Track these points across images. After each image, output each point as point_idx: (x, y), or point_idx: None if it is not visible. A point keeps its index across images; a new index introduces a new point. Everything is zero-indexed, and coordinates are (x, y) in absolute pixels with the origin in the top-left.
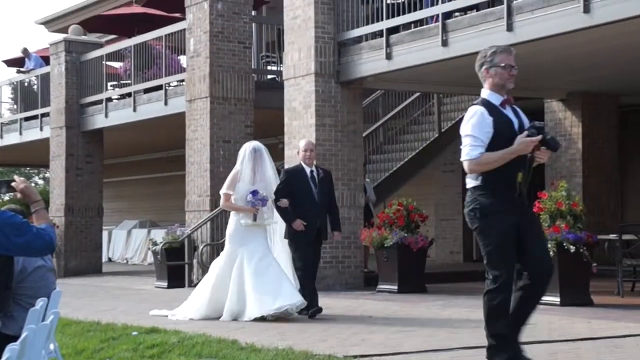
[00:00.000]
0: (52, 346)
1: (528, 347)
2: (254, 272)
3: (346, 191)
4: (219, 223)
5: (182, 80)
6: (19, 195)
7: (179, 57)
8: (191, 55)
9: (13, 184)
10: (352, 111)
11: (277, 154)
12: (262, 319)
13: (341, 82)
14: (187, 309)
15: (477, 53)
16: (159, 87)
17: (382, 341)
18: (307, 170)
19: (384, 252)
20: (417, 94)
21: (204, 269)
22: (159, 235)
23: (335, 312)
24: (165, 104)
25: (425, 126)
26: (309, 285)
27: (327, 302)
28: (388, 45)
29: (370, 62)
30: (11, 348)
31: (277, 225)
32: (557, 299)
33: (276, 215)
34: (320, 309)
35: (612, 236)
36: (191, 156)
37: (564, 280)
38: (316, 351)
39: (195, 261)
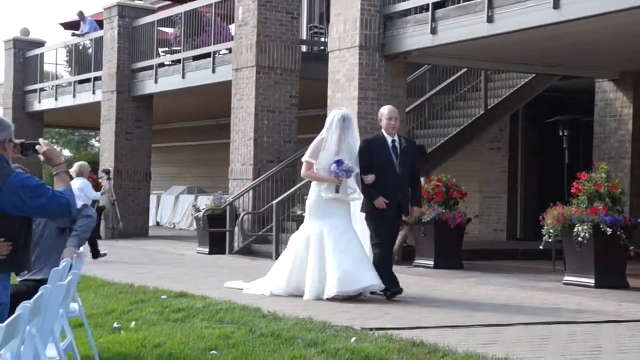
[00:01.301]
0: (75, 305)
1: (550, 327)
2: (334, 248)
3: None
4: (261, 192)
5: (230, 49)
6: (42, 157)
7: (229, 26)
8: (239, 23)
9: (37, 147)
10: (395, 85)
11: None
12: (332, 298)
13: (385, 55)
14: (266, 284)
15: (523, 30)
16: (207, 55)
17: (404, 315)
18: (389, 139)
19: (422, 227)
20: (464, 69)
21: (245, 236)
22: (205, 201)
23: None
24: (213, 71)
25: (472, 102)
26: (387, 263)
27: None
28: (433, 19)
29: (415, 36)
30: (23, 306)
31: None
32: (591, 281)
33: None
34: (401, 290)
35: None
36: (236, 124)
37: (599, 262)
38: (335, 322)
39: (236, 229)
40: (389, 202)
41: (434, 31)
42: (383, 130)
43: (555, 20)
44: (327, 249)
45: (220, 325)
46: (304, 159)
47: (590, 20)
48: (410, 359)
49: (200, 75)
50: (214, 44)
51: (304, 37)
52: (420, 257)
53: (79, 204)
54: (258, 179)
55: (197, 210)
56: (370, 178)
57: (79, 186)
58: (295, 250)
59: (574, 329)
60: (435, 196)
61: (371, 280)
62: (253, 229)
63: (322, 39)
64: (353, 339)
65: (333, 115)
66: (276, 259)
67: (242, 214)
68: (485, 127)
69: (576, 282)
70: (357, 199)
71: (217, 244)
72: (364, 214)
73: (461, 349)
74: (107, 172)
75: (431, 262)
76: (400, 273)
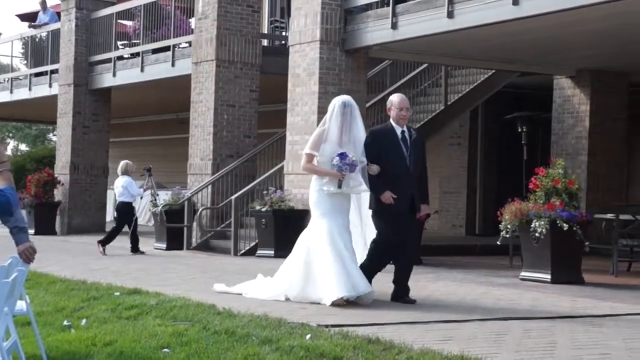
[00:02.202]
0: (23, 304)
1: (506, 323)
2: (345, 248)
3: None
4: (220, 187)
5: (190, 42)
6: None
7: (189, 19)
8: (199, 17)
9: None
10: (356, 80)
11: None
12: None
13: (346, 50)
14: (278, 288)
15: (483, 26)
16: (167, 48)
17: (361, 312)
18: (398, 130)
19: None
20: (425, 65)
21: (203, 232)
22: (164, 197)
23: None
24: (173, 65)
25: (432, 98)
26: (380, 266)
27: None
28: (394, 14)
29: (375, 31)
30: None
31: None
32: (547, 276)
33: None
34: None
35: (609, 215)
36: (195, 119)
37: (555, 257)
38: (292, 319)
39: (195, 224)
40: (399, 197)
41: (394, 26)
42: (392, 121)
43: (514, 16)
44: (335, 250)
45: (174, 322)
46: (305, 151)
47: (548, 17)
48: (365, 356)
49: (159, 69)
50: (173, 37)
51: (265, 31)
52: None
53: (123, 199)
54: (217, 174)
55: (155, 205)
56: (374, 168)
57: (123, 184)
58: (307, 249)
59: (530, 325)
60: None
61: (368, 285)
62: (212, 224)
63: (283, 33)
64: (308, 336)
65: (333, 104)
66: (235, 254)
67: (200, 210)
68: (445, 122)
69: (532, 277)
70: (363, 191)
71: (175, 240)
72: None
73: (417, 346)
74: (148, 169)
75: None
76: None
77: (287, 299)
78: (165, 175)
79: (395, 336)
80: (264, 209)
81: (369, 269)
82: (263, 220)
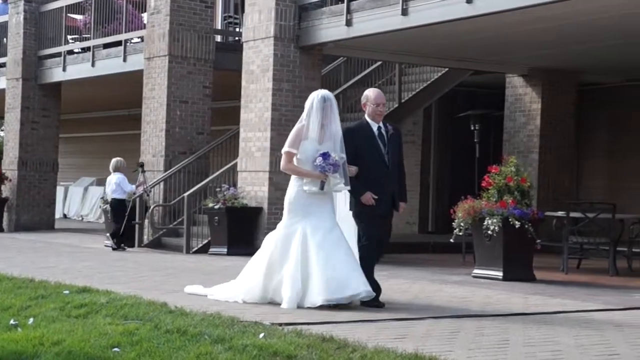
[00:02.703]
0: None
1: (459, 320)
2: (319, 250)
3: None
4: (172, 184)
5: (142, 37)
6: None
7: (141, 14)
8: (151, 11)
9: None
10: (310, 77)
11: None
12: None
13: (301, 47)
14: (236, 289)
15: (436, 24)
16: (118, 43)
17: (315, 310)
18: (374, 127)
19: None
20: (379, 62)
21: (155, 229)
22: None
23: None
24: (124, 60)
25: (386, 96)
26: (370, 269)
27: None
28: (349, 11)
29: (330, 27)
30: None
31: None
32: (500, 274)
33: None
34: (382, 305)
35: (560, 213)
36: (147, 115)
37: (507, 255)
38: (245, 317)
39: (146, 221)
40: (380, 197)
41: (349, 23)
42: (367, 117)
43: (468, 14)
44: (311, 251)
45: (125, 321)
46: (284, 149)
47: (501, 16)
48: (319, 355)
49: (111, 64)
50: (125, 32)
51: (219, 27)
52: None
53: (116, 196)
54: (169, 171)
55: (106, 202)
56: (352, 170)
57: (116, 181)
58: (272, 251)
59: (483, 323)
60: None
61: (363, 285)
62: (164, 221)
63: (237, 29)
64: (261, 335)
65: (312, 98)
66: (187, 252)
67: (152, 207)
68: (399, 120)
69: (485, 275)
70: (343, 189)
71: (126, 237)
72: (350, 212)
73: (371, 344)
74: (141, 165)
75: None
76: None
77: (244, 302)
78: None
79: (349, 334)
80: (216, 207)
81: (365, 274)
82: (216, 217)
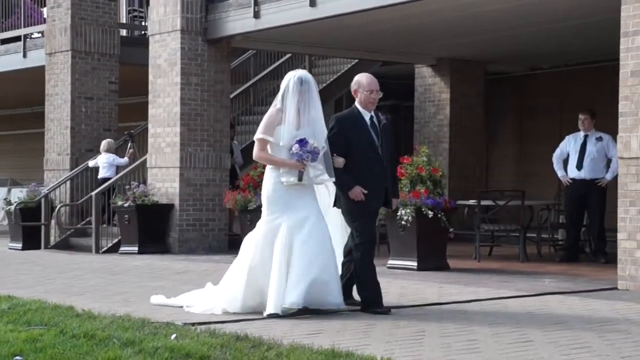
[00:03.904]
0: None
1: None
2: (303, 246)
3: (212, 152)
4: (79, 183)
5: (43, 32)
6: None
7: (41, 8)
8: (51, 5)
9: None
10: (219, 70)
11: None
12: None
13: (208, 39)
14: (215, 298)
15: (344, 15)
16: (17, 38)
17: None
18: (366, 116)
19: (248, 215)
20: (288, 55)
21: (62, 230)
22: (19, 194)
23: (190, 277)
24: (24, 56)
25: None
26: (371, 271)
27: (185, 265)
28: (256, 3)
29: (238, 20)
30: None
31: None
32: (414, 264)
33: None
34: (388, 310)
35: (471, 202)
36: (51, 112)
37: (421, 245)
38: (156, 318)
39: (53, 222)
40: (372, 192)
41: (256, 15)
42: (358, 104)
43: (373, 5)
44: (295, 248)
45: (28, 327)
46: (257, 136)
47: (407, 6)
48: (233, 354)
49: (9, 60)
50: (24, 26)
51: (124, 21)
52: None
53: (109, 174)
54: (76, 170)
55: (9, 203)
56: (340, 161)
57: (107, 159)
58: (253, 253)
59: (399, 314)
60: (262, 183)
61: (338, 295)
62: (71, 221)
63: (143, 23)
64: (173, 336)
65: (288, 79)
66: (96, 252)
67: (58, 206)
68: None
69: (400, 265)
70: (326, 180)
71: (31, 239)
72: (334, 208)
73: (287, 341)
74: (130, 134)
75: None
76: (226, 263)
77: (226, 313)
78: (21, 172)
79: (264, 332)
80: (126, 204)
81: (364, 277)
82: (126, 216)
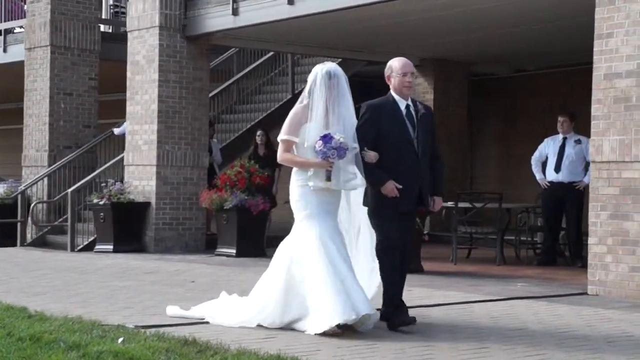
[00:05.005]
0: None
1: None
2: (331, 258)
3: (189, 151)
4: (57, 179)
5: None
6: None
7: (22, 2)
8: (31, 0)
9: None
10: (198, 68)
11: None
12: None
13: (187, 36)
14: (245, 312)
15: (324, 13)
16: None
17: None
18: (402, 104)
19: (224, 214)
20: (271, 53)
21: (39, 227)
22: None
23: (159, 277)
24: (5, 51)
25: (279, 87)
26: (395, 279)
27: (155, 265)
28: (235, 0)
29: (217, 17)
30: None
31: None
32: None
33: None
34: (413, 320)
35: (449, 203)
36: (29, 108)
37: None
38: (108, 321)
39: (29, 219)
40: (405, 190)
41: (235, 12)
42: (392, 92)
43: (356, 3)
44: (335, 260)
45: None
46: (280, 137)
47: (391, 4)
48: (177, 359)
49: None
50: (4, 21)
51: (105, 17)
52: (223, 246)
53: None
54: (53, 166)
55: None
56: (371, 155)
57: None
58: (290, 263)
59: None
60: (238, 182)
61: (368, 307)
62: (49, 219)
63: (124, 19)
64: (120, 340)
65: (315, 73)
66: (72, 250)
67: (34, 203)
68: None
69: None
70: (359, 186)
71: (7, 236)
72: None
73: (235, 346)
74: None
75: (233, 251)
76: (199, 263)
77: (260, 327)
78: (7, 169)
79: (215, 336)
80: (101, 202)
81: (388, 285)
82: (101, 214)
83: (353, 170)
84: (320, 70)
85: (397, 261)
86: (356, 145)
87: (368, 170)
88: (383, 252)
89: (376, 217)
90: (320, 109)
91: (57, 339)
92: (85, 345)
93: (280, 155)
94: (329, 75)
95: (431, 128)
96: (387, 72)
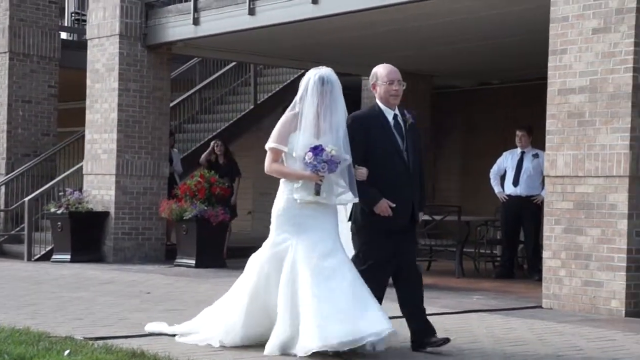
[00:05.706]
0: None
1: None
2: (314, 278)
3: (149, 160)
4: (14, 188)
5: None
6: None
7: None
8: None
9: None
10: (159, 77)
11: None
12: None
13: (148, 45)
14: (212, 329)
15: (284, 24)
16: None
17: (141, 321)
18: (389, 115)
19: (184, 225)
20: (233, 63)
21: None
22: None
23: (114, 288)
24: None
25: (242, 97)
26: (380, 296)
27: (112, 275)
28: (196, 9)
29: (178, 26)
30: None
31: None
32: None
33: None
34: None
35: None
36: None
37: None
38: (58, 332)
39: None
40: (398, 206)
41: (196, 22)
42: (378, 101)
43: (314, 15)
44: (302, 278)
45: None
46: (268, 145)
47: (350, 17)
48: None
49: None
50: None
51: (66, 24)
52: (182, 256)
53: None
54: (11, 174)
55: None
56: (363, 172)
57: None
58: (256, 279)
59: None
60: (198, 193)
61: (374, 325)
62: (5, 227)
63: (85, 27)
64: (66, 352)
65: (307, 79)
66: (29, 259)
67: None
68: (255, 122)
69: None
70: (350, 201)
71: None
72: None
73: (184, 358)
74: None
75: (193, 261)
76: (157, 273)
77: (223, 346)
78: None
79: (166, 349)
80: (59, 211)
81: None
82: (59, 223)
83: (344, 184)
84: (312, 76)
85: (382, 283)
86: (348, 156)
87: (361, 190)
88: (367, 273)
89: (362, 236)
90: (309, 117)
91: (2, 351)
92: (30, 357)
93: (268, 165)
94: (322, 81)
95: (419, 138)
96: (371, 79)
